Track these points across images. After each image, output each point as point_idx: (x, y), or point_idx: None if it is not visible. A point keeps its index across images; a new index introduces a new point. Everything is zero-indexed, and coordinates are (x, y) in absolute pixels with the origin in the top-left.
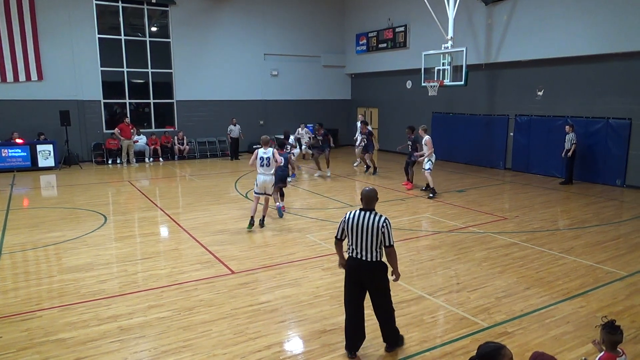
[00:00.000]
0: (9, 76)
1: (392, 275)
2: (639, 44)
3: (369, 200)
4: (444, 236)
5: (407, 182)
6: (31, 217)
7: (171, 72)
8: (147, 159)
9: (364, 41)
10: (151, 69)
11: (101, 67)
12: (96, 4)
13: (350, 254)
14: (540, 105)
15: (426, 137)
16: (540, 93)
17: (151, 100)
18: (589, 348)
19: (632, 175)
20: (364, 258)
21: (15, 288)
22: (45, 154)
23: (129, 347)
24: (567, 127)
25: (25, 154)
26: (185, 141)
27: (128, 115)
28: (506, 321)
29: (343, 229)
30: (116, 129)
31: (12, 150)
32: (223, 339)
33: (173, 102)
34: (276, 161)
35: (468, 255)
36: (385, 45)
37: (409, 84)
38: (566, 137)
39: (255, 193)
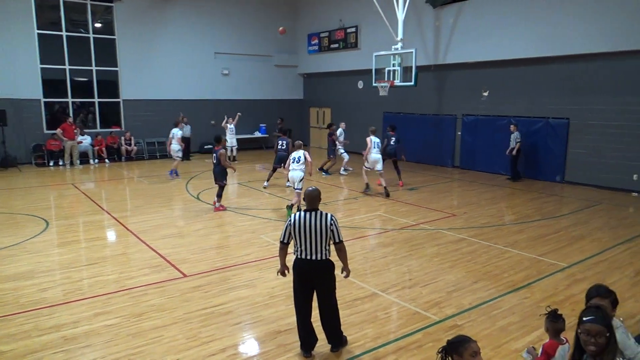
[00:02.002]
0: None
1: (342, 272)
2: (575, 47)
3: (312, 200)
4: (396, 233)
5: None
6: None
7: (117, 70)
8: (92, 161)
9: (316, 41)
10: (95, 66)
11: (41, 64)
12: None
13: (299, 256)
14: (485, 105)
15: (367, 138)
16: (485, 94)
17: (96, 99)
18: (534, 337)
19: (570, 172)
20: (313, 258)
21: None
22: None
23: (74, 357)
24: (512, 126)
25: None
26: (132, 141)
27: (71, 115)
28: (456, 314)
29: (290, 233)
30: (58, 129)
31: None
32: (175, 344)
33: (119, 101)
34: (306, 159)
35: (419, 251)
36: (337, 45)
37: (360, 84)
38: (511, 136)
39: (287, 185)
